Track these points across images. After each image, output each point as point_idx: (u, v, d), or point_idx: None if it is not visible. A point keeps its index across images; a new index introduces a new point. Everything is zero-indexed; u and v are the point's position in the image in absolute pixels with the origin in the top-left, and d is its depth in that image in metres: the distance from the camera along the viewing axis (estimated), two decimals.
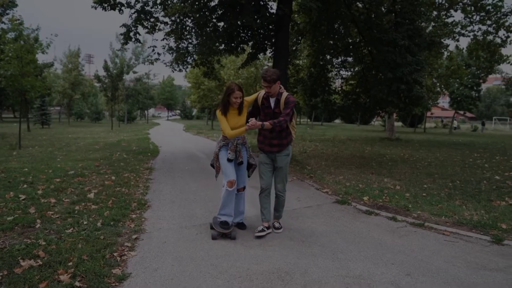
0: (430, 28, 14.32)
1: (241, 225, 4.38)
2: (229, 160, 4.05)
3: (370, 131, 33.40)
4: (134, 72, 37.18)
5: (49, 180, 6.84)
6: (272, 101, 4.02)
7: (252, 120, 3.75)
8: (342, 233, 4.25)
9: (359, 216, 5.02)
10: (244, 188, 4.33)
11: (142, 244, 3.77)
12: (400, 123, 48.25)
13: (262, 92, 4.13)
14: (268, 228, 4.21)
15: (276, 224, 4.33)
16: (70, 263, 3.17)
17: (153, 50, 10.90)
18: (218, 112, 4.04)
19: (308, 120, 51.28)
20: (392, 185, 7.11)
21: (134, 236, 3.94)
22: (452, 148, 16.19)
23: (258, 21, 9.38)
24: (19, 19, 14.02)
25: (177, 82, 73.23)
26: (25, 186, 6.29)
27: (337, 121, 64.63)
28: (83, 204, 5.18)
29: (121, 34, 10.06)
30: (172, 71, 11.91)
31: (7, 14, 16.69)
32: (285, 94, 3.98)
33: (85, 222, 4.30)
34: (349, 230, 4.36)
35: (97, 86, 36.28)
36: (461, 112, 37.92)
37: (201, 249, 3.69)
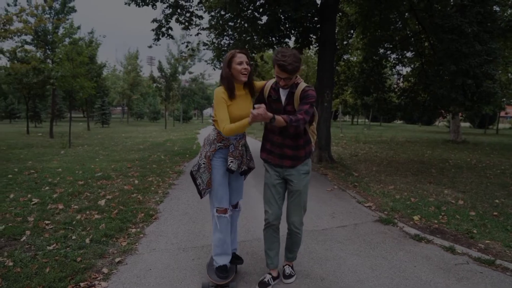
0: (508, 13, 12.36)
1: (235, 259, 3.10)
2: (230, 171, 2.81)
3: (432, 133, 30.71)
4: (190, 73, 37.99)
5: (73, 182, 6.58)
6: (283, 93, 2.77)
7: (261, 107, 2.41)
8: (378, 269, 3.23)
9: (404, 242, 3.93)
10: (238, 203, 3.10)
11: (122, 270, 3.10)
12: (467, 124, 44.19)
13: (271, 81, 2.89)
14: (277, 277, 3.03)
15: (288, 270, 3.06)
16: None
17: (187, 46, 10.43)
18: (219, 93, 2.68)
19: (366, 120, 48.91)
20: (454, 198, 5.85)
21: (117, 259, 3.28)
22: None
23: (301, 12, 8.44)
24: (68, 23, 14.56)
25: None
26: (47, 188, 6.06)
27: (398, 121, 61.01)
28: (88, 212, 4.71)
29: (153, 30, 9.65)
30: (213, 69, 11.32)
31: (68, 19, 17.31)
32: (302, 85, 2.73)
33: (73, 237, 3.76)
34: (388, 265, 3.33)
35: (153, 87, 37.35)
36: None
37: (186, 286, 2.91)
